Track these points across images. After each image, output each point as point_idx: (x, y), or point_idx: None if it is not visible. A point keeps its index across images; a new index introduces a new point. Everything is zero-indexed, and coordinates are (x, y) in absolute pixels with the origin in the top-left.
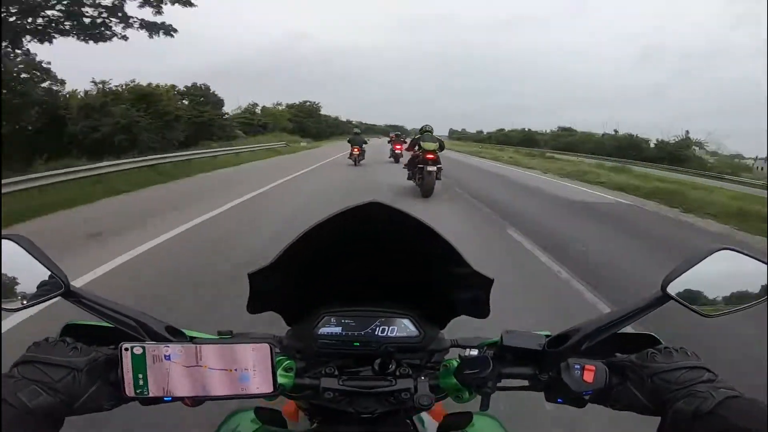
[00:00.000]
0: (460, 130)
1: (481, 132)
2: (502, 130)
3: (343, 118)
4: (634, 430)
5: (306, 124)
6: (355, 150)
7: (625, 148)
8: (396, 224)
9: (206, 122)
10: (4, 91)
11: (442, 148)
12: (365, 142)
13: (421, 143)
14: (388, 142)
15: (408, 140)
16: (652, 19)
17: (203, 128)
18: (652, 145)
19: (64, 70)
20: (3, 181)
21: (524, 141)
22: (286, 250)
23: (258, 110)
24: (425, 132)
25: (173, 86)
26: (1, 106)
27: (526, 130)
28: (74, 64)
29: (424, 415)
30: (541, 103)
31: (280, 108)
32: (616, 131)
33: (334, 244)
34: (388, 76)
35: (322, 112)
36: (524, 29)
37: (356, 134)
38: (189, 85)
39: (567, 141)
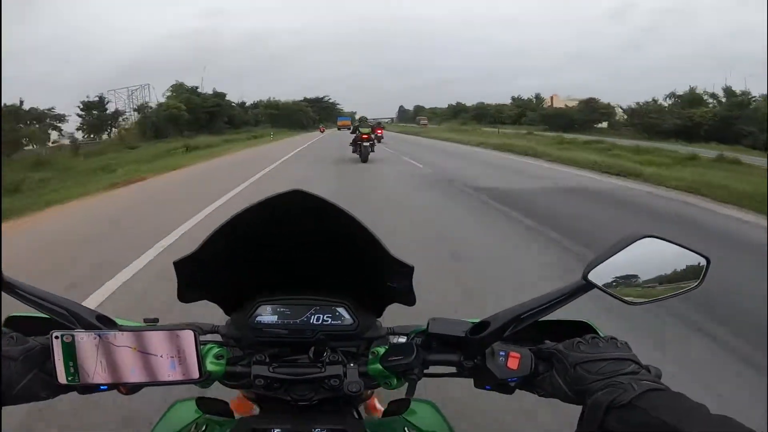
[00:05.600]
0: (412, 108)
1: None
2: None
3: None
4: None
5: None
6: None
7: None
8: (319, 212)
9: None
10: None
11: (373, 131)
12: None
13: (360, 129)
14: (351, 132)
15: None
16: None
17: None
18: None
19: None
20: None
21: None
22: (209, 240)
23: None
24: (363, 121)
25: None
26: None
27: None
28: None
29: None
30: (495, 72)
31: None
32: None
33: (258, 232)
34: (318, 56)
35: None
36: None
37: None
38: None
39: None
